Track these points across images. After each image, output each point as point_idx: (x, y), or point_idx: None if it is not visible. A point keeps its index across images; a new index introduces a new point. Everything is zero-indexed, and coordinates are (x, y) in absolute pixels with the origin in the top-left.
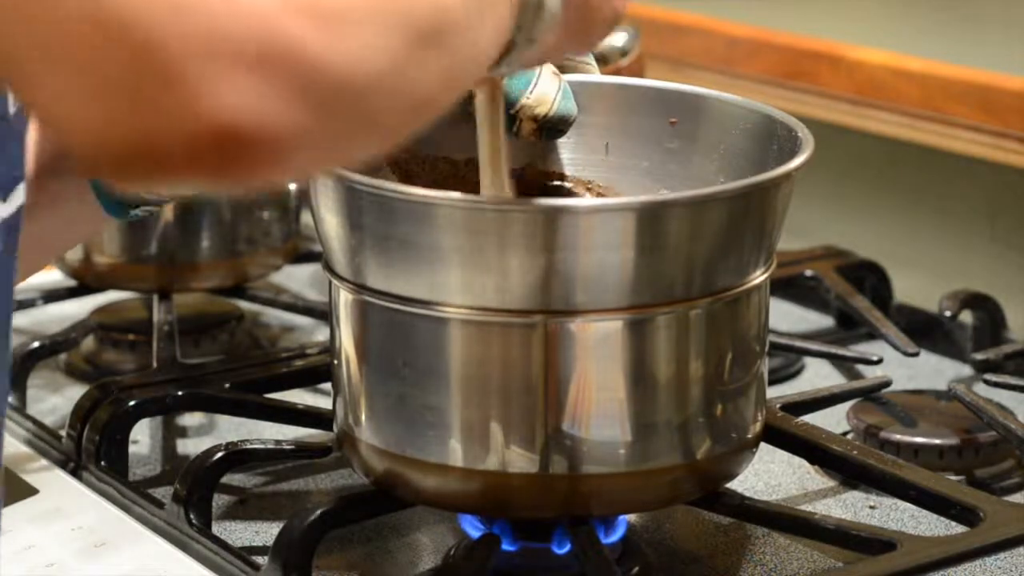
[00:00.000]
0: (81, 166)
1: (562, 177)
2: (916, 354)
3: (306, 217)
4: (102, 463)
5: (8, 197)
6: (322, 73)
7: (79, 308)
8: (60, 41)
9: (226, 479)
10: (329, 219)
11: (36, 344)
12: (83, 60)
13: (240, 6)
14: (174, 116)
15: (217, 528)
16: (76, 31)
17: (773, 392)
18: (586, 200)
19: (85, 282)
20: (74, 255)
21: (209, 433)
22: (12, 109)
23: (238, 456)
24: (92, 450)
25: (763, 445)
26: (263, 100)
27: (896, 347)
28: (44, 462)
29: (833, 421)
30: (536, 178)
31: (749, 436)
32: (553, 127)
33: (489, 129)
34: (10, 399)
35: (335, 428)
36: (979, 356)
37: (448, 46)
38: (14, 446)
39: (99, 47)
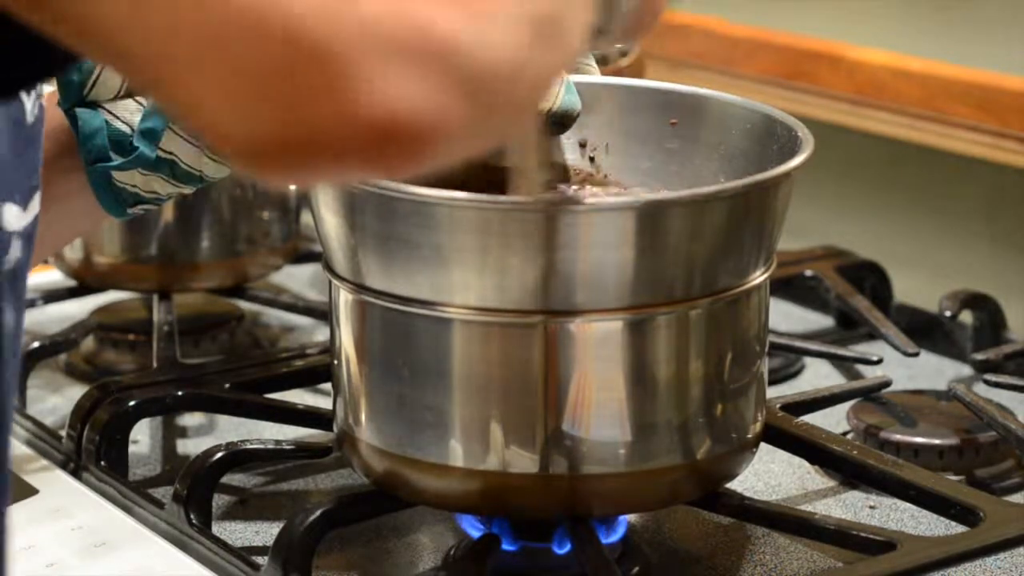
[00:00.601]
0: (236, 165)
1: (565, 171)
2: (916, 354)
3: (306, 217)
4: (102, 463)
5: (27, 206)
6: (474, 64)
7: (79, 308)
8: (212, 42)
9: (226, 479)
10: (329, 219)
11: (36, 344)
12: (237, 61)
13: (395, 4)
14: (336, 113)
15: (217, 528)
16: (230, 31)
17: (773, 392)
18: (586, 198)
19: (85, 282)
20: (74, 255)
21: (209, 433)
22: (31, 118)
23: (238, 456)
24: (92, 450)
25: (763, 445)
26: (422, 92)
27: (896, 347)
28: (44, 462)
29: (833, 421)
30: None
31: (749, 436)
32: (557, 121)
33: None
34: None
35: (335, 428)
36: (979, 356)
37: (559, 36)
38: (14, 446)
39: (254, 47)
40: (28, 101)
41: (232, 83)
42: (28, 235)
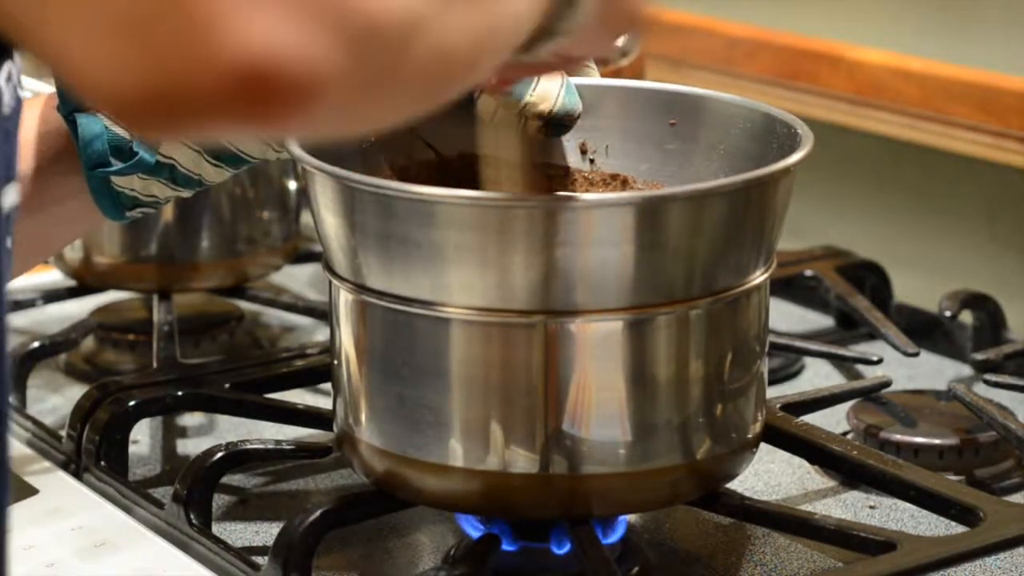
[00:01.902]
0: (110, 116)
1: (566, 171)
2: (916, 354)
3: (306, 217)
4: (102, 463)
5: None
6: (356, 9)
7: (79, 308)
8: None
9: (226, 479)
10: (329, 219)
11: (36, 344)
12: (100, 4)
13: None
14: (198, 54)
15: (217, 528)
16: None
17: (773, 392)
18: (586, 195)
19: (85, 282)
20: (74, 255)
21: (209, 433)
22: (6, 110)
23: (238, 456)
24: (92, 450)
25: (763, 445)
26: (294, 35)
27: (896, 347)
28: (44, 462)
29: (833, 421)
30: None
31: (749, 436)
32: (558, 123)
33: (508, 134)
34: (10, 399)
35: (335, 428)
36: (979, 356)
37: (484, 4)
38: (14, 446)
39: None
40: (5, 92)
41: (95, 28)
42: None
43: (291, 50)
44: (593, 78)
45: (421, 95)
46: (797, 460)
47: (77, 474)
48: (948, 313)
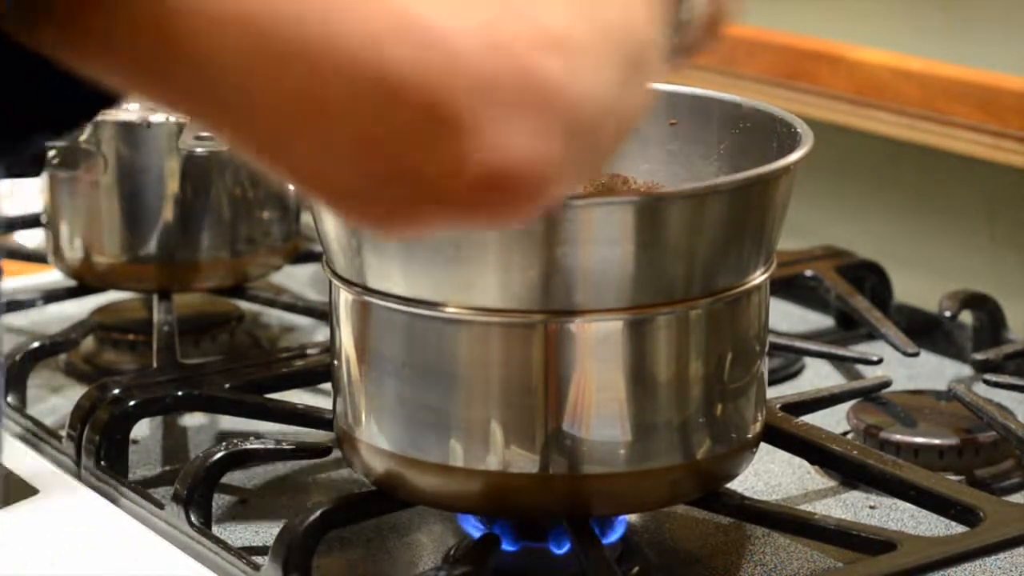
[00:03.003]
0: (346, 221)
1: None
2: (916, 354)
3: (306, 217)
4: (102, 463)
5: None
6: (575, 106)
7: (79, 308)
8: (319, 108)
9: (226, 479)
10: (329, 219)
11: (36, 344)
12: (345, 124)
13: (502, 49)
14: (443, 166)
15: (217, 528)
16: (336, 95)
17: (773, 392)
18: (586, 195)
19: (85, 282)
20: (74, 255)
21: (209, 433)
22: None
23: (238, 456)
24: (92, 450)
25: (763, 445)
26: (528, 140)
27: (896, 347)
28: (44, 462)
29: (833, 421)
30: None
31: (749, 436)
32: None
33: None
34: (10, 399)
35: (335, 428)
36: (979, 356)
37: (647, 66)
38: (14, 446)
39: (358, 102)
40: None
41: (342, 146)
42: None
43: (527, 152)
44: None
45: (612, 154)
46: (797, 460)
47: (77, 474)
48: (948, 313)
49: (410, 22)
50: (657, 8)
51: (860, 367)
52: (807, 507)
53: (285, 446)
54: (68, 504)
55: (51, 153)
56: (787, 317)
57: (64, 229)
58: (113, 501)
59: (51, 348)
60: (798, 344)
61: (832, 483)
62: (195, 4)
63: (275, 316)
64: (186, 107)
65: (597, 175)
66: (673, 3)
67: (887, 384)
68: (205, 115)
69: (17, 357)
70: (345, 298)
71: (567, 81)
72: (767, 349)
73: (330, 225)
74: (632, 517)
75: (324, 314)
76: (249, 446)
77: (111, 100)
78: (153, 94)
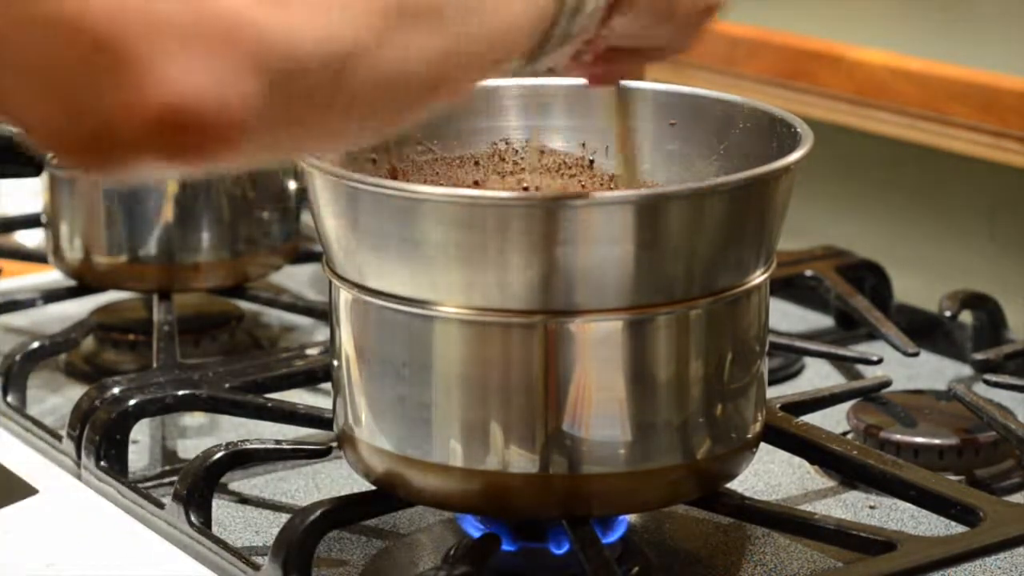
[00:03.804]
0: (50, 156)
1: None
2: (916, 354)
3: (306, 217)
4: (102, 463)
5: None
6: (275, 48)
7: (79, 308)
8: (5, 40)
9: (226, 479)
10: (329, 219)
11: (36, 344)
12: (28, 56)
13: None
14: (125, 103)
15: (217, 528)
16: (21, 30)
17: (773, 392)
18: (586, 194)
19: (85, 282)
20: (74, 255)
21: (209, 433)
22: None
23: (238, 456)
24: (92, 450)
25: (763, 445)
26: (211, 78)
27: (896, 347)
28: (44, 462)
29: (833, 421)
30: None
31: (749, 436)
32: None
33: (618, 118)
34: (10, 399)
35: (335, 428)
36: (979, 356)
37: (443, 26)
38: (14, 446)
39: (45, 43)
40: None
41: (26, 78)
42: None
43: (207, 91)
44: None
45: (368, 119)
46: (797, 460)
47: (77, 474)
48: (948, 313)
49: None
50: None
51: (860, 367)
52: (807, 507)
53: (285, 446)
54: (68, 504)
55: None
56: (787, 317)
57: (64, 229)
58: (113, 501)
59: (51, 348)
60: (798, 344)
61: (832, 483)
62: None
63: (275, 316)
64: None
65: (357, 135)
66: None
67: (887, 384)
68: None
69: (17, 357)
70: (345, 298)
71: (272, 21)
72: (767, 349)
73: (330, 225)
74: (632, 517)
75: (324, 314)
76: (249, 446)
77: None
78: None
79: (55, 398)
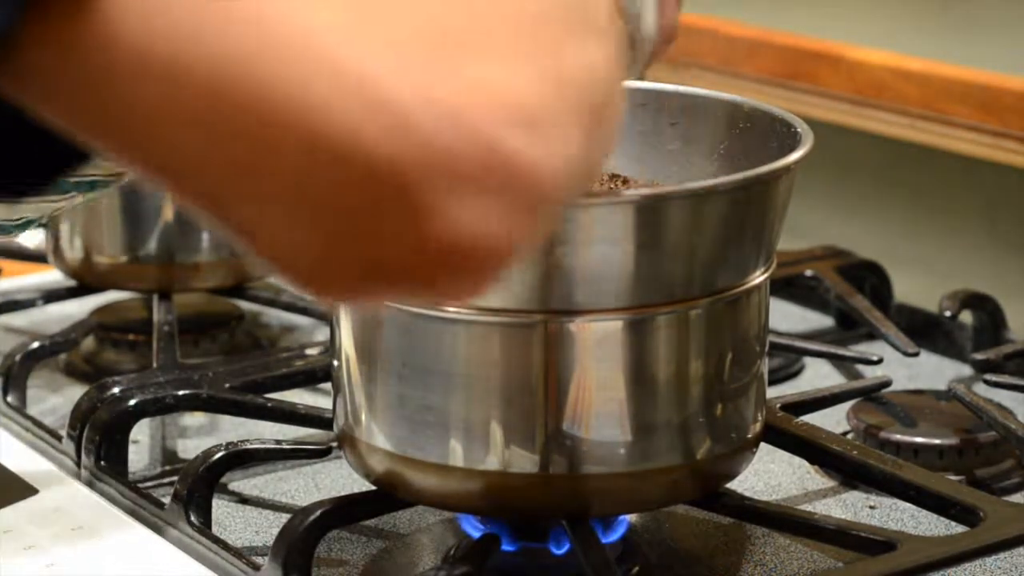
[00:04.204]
0: (296, 289)
1: None
2: (916, 354)
3: None
4: (102, 463)
5: None
6: (541, 184)
7: (79, 308)
8: (259, 169)
9: (226, 479)
10: None
11: (36, 344)
12: (300, 190)
13: (464, 124)
14: (404, 240)
15: (217, 528)
16: (307, 171)
17: (773, 392)
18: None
19: (85, 282)
20: (74, 255)
21: (209, 433)
22: None
23: (238, 456)
24: (92, 450)
25: (763, 445)
26: (495, 219)
27: (896, 347)
28: (44, 462)
29: (833, 421)
30: None
31: (749, 436)
32: None
33: None
34: (10, 399)
35: (335, 428)
36: (979, 356)
37: (611, 115)
38: (14, 446)
39: (316, 175)
40: None
41: (285, 208)
42: None
43: (493, 229)
44: None
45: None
46: (797, 460)
47: (77, 474)
48: (948, 313)
49: (354, 81)
50: (613, 40)
51: (860, 367)
52: (807, 507)
53: (285, 446)
54: (68, 504)
55: None
56: (787, 317)
57: (64, 229)
58: (113, 501)
59: (51, 348)
60: (798, 344)
61: (832, 483)
62: (143, 62)
63: (275, 316)
64: (133, 162)
65: (554, 227)
66: (626, 23)
67: (887, 384)
68: (153, 172)
69: (17, 357)
70: None
71: (534, 159)
72: (767, 349)
73: None
74: (632, 517)
75: (324, 314)
76: (249, 446)
77: (82, 156)
78: (102, 146)
79: (55, 398)
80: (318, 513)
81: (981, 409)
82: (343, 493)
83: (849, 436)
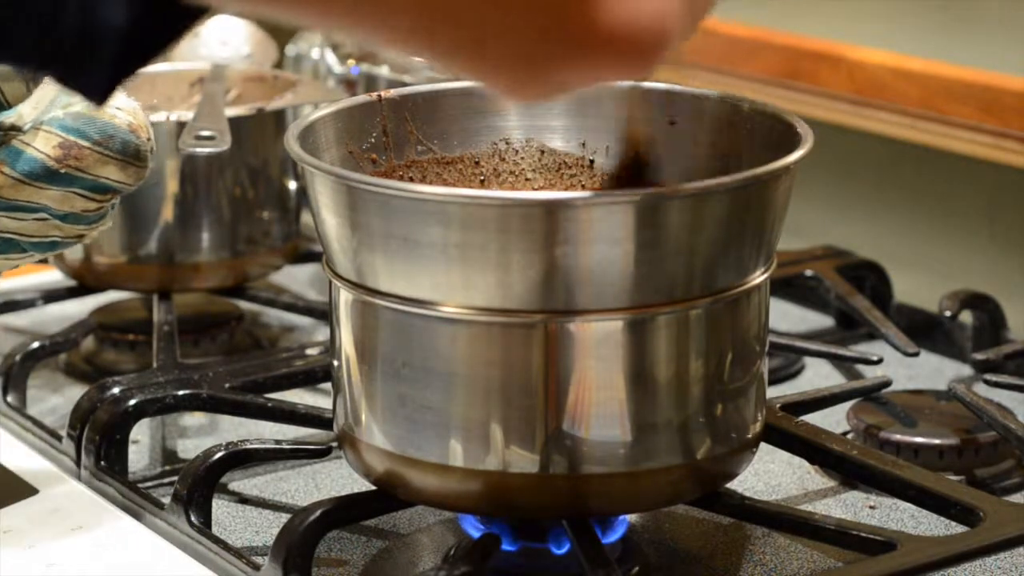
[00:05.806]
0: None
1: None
2: (916, 354)
3: (306, 217)
4: (102, 463)
5: None
6: None
7: (79, 308)
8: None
9: (226, 479)
10: (329, 219)
11: (36, 344)
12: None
13: None
14: (588, 20)
15: (217, 528)
16: None
17: (773, 392)
18: (586, 194)
19: (85, 282)
20: (74, 255)
21: (209, 433)
22: None
23: (238, 456)
24: (92, 450)
25: (763, 445)
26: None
27: (896, 347)
28: (44, 462)
29: (833, 421)
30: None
31: (749, 436)
32: None
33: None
34: (10, 399)
35: (335, 428)
36: (979, 356)
37: None
38: (14, 446)
39: None
40: None
41: (507, 22)
42: None
43: (660, 9)
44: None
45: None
46: (797, 460)
47: (77, 474)
48: (948, 313)
49: None
50: None
51: (860, 367)
52: (807, 507)
53: (285, 446)
54: (68, 504)
55: None
56: (787, 317)
57: None
58: (113, 501)
59: (51, 348)
60: (798, 344)
61: (832, 483)
62: None
63: (275, 316)
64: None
65: (697, 27)
66: None
67: (887, 384)
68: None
69: (17, 357)
70: (345, 298)
71: None
72: (767, 349)
73: (330, 225)
74: (632, 517)
75: (324, 314)
76: (249, 446)
77: (195, 16)
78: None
79: (55, 398)
80: (318, 513)
81: (981, 409)
82: (343, 493)
83: (849, 436)
